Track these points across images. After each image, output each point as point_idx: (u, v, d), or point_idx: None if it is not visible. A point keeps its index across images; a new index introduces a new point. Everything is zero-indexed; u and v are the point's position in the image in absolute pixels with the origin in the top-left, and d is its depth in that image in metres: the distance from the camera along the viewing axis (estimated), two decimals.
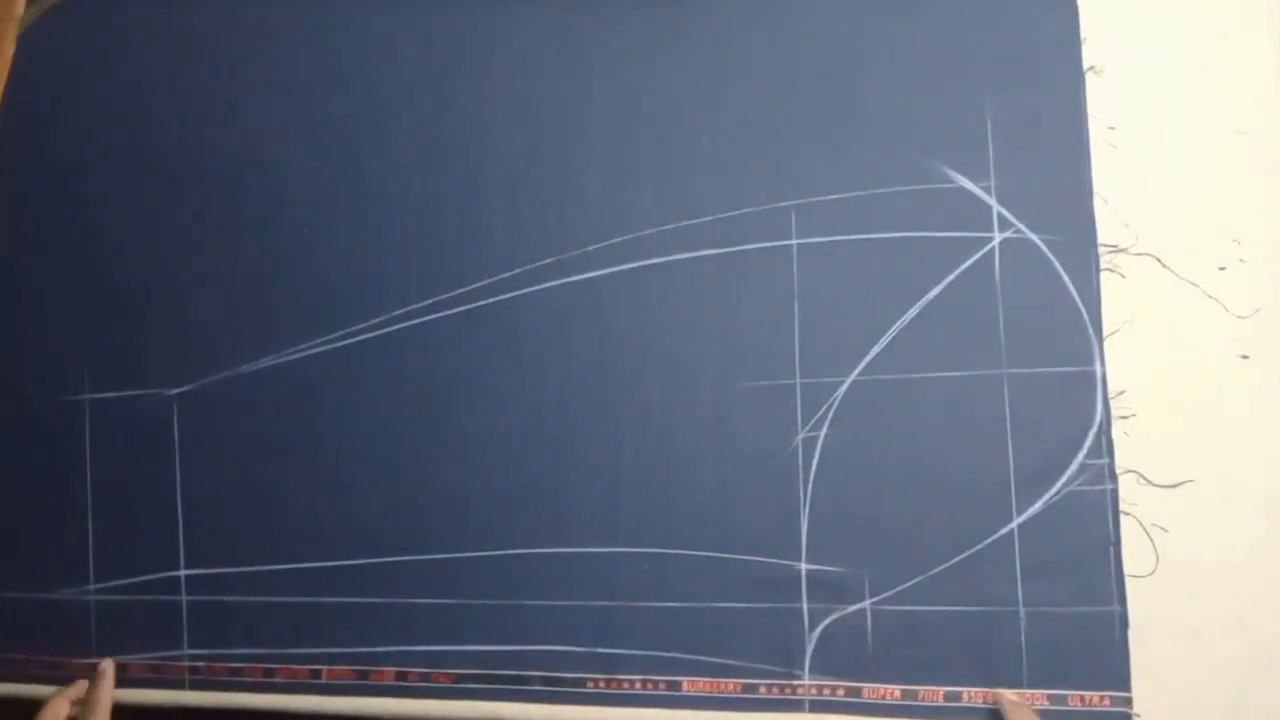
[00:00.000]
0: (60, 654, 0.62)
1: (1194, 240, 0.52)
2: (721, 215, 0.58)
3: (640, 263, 0.58)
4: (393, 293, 0.61)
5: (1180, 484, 0.51)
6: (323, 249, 0.63)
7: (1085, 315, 0.52)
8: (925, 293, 0.54)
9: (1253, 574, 0.50)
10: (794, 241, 0.56)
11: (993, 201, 0.54)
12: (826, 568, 0.54)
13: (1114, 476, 0.51)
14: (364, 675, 0.59)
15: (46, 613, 0.62)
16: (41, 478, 0.64)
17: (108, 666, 0.60)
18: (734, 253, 0.57)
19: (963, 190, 0.54)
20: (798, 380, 0.55)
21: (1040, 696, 0.51)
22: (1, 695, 0.61)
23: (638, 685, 0.56)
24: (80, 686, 0.59)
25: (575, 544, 0.57)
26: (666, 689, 0.55)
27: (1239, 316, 0.51)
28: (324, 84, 0.64)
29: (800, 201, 0.56)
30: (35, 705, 0.57)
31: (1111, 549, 0.51)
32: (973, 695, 0.51)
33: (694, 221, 0.58)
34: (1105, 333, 0.52)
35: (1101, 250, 0.52)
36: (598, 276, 0.59)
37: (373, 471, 0.60)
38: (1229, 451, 0.51)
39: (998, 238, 0.53)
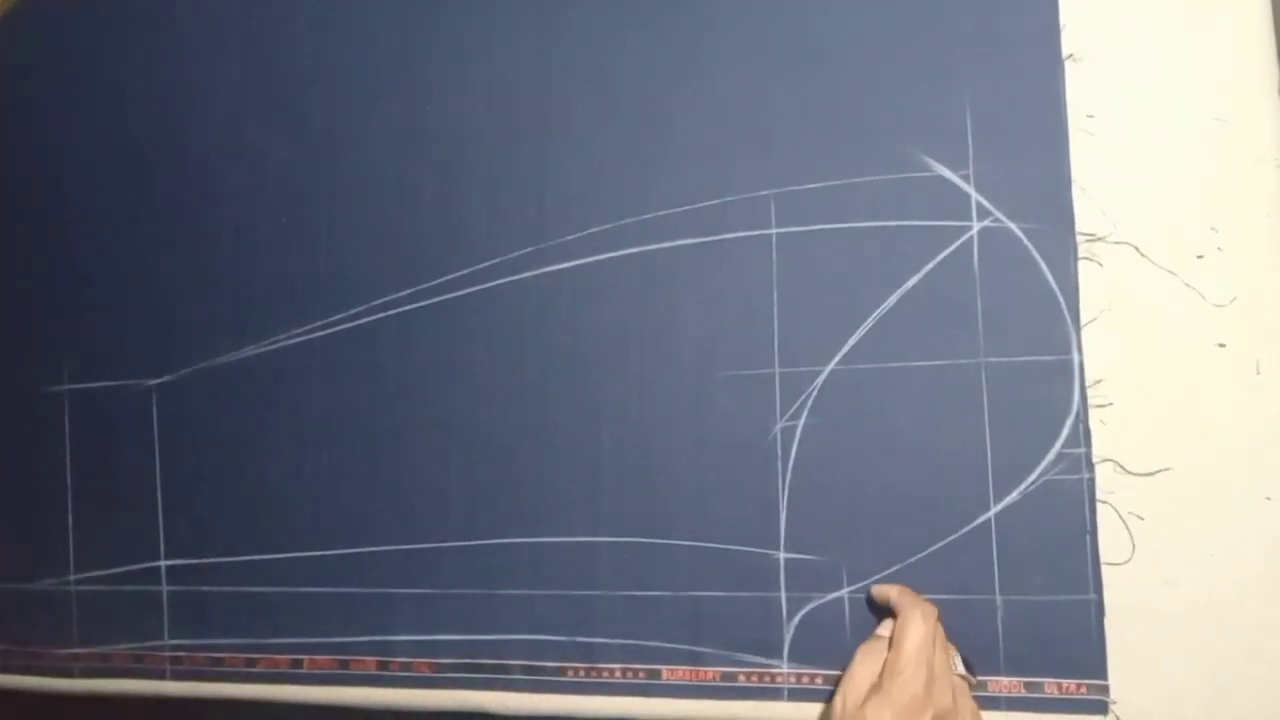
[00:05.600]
0: (41, 644, 0.62)
1: (1172, 229, 0.52)
2: (701, 204, 0.57)
3: (619, 252, 0.58)
4: (371, 283, 0.61)
5: (1157, 472, 0.51)
6: (301, 239, 0.63)
7: (1063, 304, 0.52)
8: (904, 281, 0.54)
9: (1230, 562, 0.50)
10: (773, 231, 0.56)
11: (971, 190, 0.53)
12: (805, 556, 0.54)
13: (1091, 466, 0.51)
14: (345, 665, 0.59)
15: (27, 603, 0.62)
16: (21, 469, 0.64)
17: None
18: (713, 242, 0.57)
19: (941, 179, 0.54)
20: (776, 369, 0.55)
21: (1016, 684, 0.51)
22: None
23: (618, 674, 0.56)
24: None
25: (555, 533, 0.57)
26: (646, 677, 0.55)
27: (1216, 305, 0.51)
28: (302, 75, 0.64)
29: (780, 190, 0.56)
30: (14, 695, 0.57)
31: (1088, 537, 0.51)
32: None
33: (673, 211, 0.58)
34: (1083, 321, 0.52)
35: (1079, 239, 0.52)
36: (576, 266, 0.59)
37: (352, 462, 0.60)
38: (1206, 440, 0.51)
39: (976, 226, 0.53)
